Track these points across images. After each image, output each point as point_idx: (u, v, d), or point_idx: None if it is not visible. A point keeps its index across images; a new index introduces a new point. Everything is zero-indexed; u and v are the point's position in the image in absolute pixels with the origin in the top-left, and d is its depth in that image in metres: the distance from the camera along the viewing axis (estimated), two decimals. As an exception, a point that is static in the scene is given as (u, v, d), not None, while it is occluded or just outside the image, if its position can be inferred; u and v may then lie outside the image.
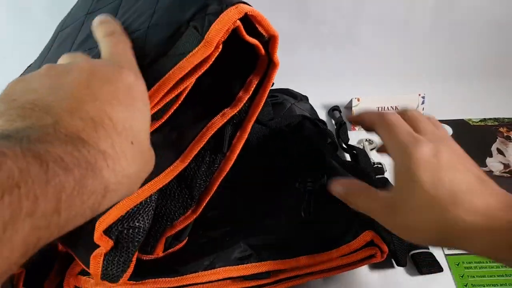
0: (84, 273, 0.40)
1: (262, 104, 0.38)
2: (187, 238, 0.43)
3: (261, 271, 0.41)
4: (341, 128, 0.59)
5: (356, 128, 0.63)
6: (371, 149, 0.60)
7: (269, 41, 0.35)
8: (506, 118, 0.65)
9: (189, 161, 0.36)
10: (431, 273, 0.46)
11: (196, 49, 0.30)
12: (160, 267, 0.41)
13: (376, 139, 0.61)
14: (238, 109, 0.37)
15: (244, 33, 0.33)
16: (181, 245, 0.43)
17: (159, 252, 0.41)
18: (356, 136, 0.62)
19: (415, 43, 0.72)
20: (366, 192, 0.34)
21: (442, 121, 0.65)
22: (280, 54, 0.66)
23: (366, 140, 0.61)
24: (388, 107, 0.63)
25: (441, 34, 0.71)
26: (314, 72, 0.69)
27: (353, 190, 0.35)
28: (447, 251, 0.48)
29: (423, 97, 0.62)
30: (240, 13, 0.31)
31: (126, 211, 0.34)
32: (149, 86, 0.29)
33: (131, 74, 0.27)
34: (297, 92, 0.64)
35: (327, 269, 0.42)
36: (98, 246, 0.35)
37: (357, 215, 0.44)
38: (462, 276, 0.46)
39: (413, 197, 0.29)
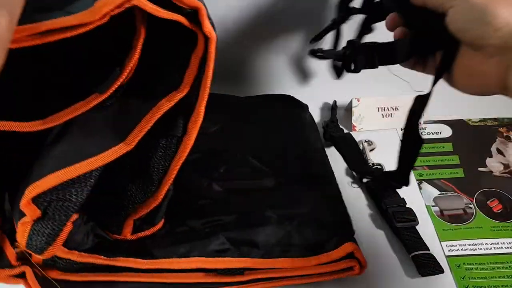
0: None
1: (209, 84, 0.37)
2: (162, 222, 0.43)
3: (236, 267, 0.40)
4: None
5: (357, 128, 0.63)
6: (370, 150, 0.60)
7: (196, 15, 0.33)
8: (506, 118, 0.65)
9: (134, 144, 0.35)
10: (432, 275, 0.45)
11: (81, 13, 0.29)
12: (134, 248, 0.41)
13: (375, 140, 0.61)
14: (185, 92, 0.36)
15: (150, 10, 0.31)
16: (155, 229, 0.42)
17: (127, 234, 0.41)
18: (355, 136, 0.62)
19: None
20: None
21: (441, 121, 0.65)
22: (280, 56, 0.66)
23: (365, 141, 0.61)
24: (388, 107, 0.63)
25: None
26: (315, 73, 0.69)
27: None
28: (448, 253, 0.48)
29: (422, 98, 0.62)
30: None
31: (60, 183, 0.33)
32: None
33: None
34: (297, 100, 0.64)
35: (304, 275, 0.42)
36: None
37: (343, 224, 0.44)
38: (463, 278, 0.46)
39: None
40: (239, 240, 0.42)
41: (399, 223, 0.49)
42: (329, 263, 0.42)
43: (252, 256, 0.41)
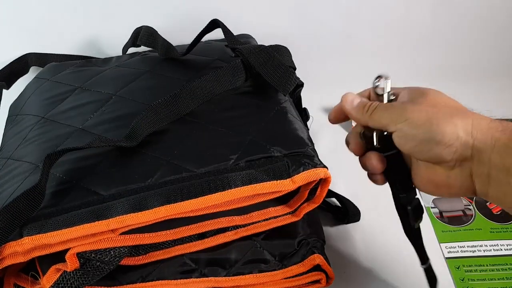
0: (26, 271, 0.38)
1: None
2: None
3: None
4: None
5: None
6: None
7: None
8: (509, 119, 0.65)
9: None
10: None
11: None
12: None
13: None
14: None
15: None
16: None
17: None
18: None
19: (415, 45, 0.72)
20: (381, 105, 0.37)
21: (442, 122, 0.64)
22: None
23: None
24: (388, 109, 0.62)
25: (441, 35, 0.71)
26: (314, 75, 0.69)
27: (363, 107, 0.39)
28: (447, 255, 0.48)
29: (423, 98, 0.62)
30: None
31: (106, 247, 0.35)
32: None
33: None
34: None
35: None
36: (63, 260, 0.35)
37: (308, 237, 0.42)
38: (462, 280, 0.46)
39: (422, 102, 0.35)
40: (204, 260, 0.41)
41: None
42: (295, 276, 0.41)
43: (217, 275, 0.40)
